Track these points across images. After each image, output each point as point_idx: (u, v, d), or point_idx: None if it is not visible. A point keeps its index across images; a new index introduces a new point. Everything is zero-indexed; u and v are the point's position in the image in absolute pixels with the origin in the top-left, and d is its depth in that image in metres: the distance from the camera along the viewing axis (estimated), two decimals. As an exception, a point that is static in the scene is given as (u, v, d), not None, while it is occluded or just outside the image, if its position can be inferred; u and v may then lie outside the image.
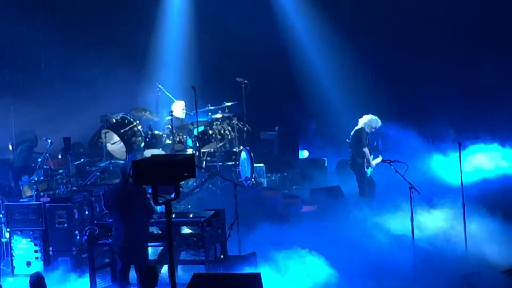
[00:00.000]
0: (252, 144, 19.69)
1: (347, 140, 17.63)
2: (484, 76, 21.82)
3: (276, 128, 22.05)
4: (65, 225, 14.14)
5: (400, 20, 21.94)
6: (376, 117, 17.44)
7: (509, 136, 19.80)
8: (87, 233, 13.22)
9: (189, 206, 15.48)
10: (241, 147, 18.46)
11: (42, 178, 15.61)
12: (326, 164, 21.18)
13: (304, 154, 22.34)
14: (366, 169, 17.25)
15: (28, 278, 11.37)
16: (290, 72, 22.53)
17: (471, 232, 14.49)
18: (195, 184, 16.19)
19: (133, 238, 12.38)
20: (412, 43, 22.34)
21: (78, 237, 14.12)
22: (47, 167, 15.99)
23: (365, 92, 22.67)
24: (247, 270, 12.35)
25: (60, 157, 18.35)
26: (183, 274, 12.86)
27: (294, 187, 20.11)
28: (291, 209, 16.99)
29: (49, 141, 16.12)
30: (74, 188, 15.53)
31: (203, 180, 16.50)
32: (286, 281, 12.63)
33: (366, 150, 17.26)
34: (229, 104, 18.90)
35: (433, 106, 21.93)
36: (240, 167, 18.05)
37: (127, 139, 17.79)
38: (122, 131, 17.82)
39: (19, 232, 14.30)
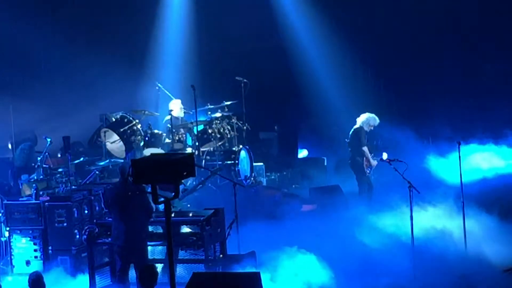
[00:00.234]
0: (252, 143, 19.68)
1: (346, 139, 17.63)
2: (483, 76, 21.82)
3: (276, 127, 22.04)
4: (65, 224, 14.12)
5: (400, 20, 21.92)
6: (373, 115, 17.44)
7: (507, 135, 19.79)
8: (87, 232, 13.22)
9: (189, 205, 15.46)
10: (241, 146, 18.46)
11: (41, 177, 15.60)
12: (325, 163, 21.19)
13: (303, 153, 22.34)
14: (366, 168, 17.25)
15: (27, 277, 11.37)
16: (289, 71, 22.52)
17: (471, 231, 14.50)
18: (194, 183, 16.18)
19: (132, 237, 12.38)
20: (412, 43, 22.33)
21: (77, 236, 14.10)
22: (46, 166, 15.98)
23: (364, 91, 22.66)
24: (247, 269, 12.36)
25: (59, 156, 18.36)
26: (183, 273, 12.86)
27: (293, 186, 20.11)
28: (290, 208, 16.98)
29: (49, 140, 16.11)
30: (73, 187, 15.52)
31: (206, 177, 16.46)
32: (284, 280, 12.63)
33: (365, 149, 17.27)
34: (228, 103, 18.91)
35: (433, 105, 21.92)
36: (239, 166, 18.05)
37: (127, 138, 17.80)
38: (121, 130, 17.82)
39: (18, 231, 14.29)
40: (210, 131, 18.30)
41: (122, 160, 17.06)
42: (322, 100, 22.61)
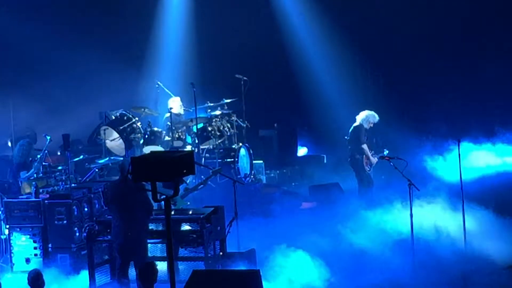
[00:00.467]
0: (251, 141, 19.69)
1: (346, 137, 17.63)
2: (483, 74, 21.81)
3: (275, 125, 22.05)
4: (64, 221, 14.12)
5: (400, 18, 21.91)
6: (373, 112, 17.43)
7: (506, 133, 19.80)
8: (86, 230, 13.23)
9: (188, 203, 15.47)
10: (240, 144, 18.47)
11: (41, 174, 15.60)
12: (325, 161, 21.20)
13: (303, 151, 22.34)
14: (365, 166, 17.25)
15: (27, 275, 11.36)
16: (289, 69, 22.51)
17: (470, 229, 14.51)
18: (194, 181, 16.18)
19: (132, 235, 12.37)
20: (411, 43, 22.32)
21: (77, 234, 14.11)
22: (46, 164, 15.97)
23: (364, 89, 22.67)
24: (247, 266, 12.36)
25: (59, 154, 18.35)
26: (183, 271, 12.86)
27: (293, 183, 20.12)
28: (290, 206, 16.99)
29: (48, 138, 16.11)
30: (73, 185, 15.52)
31: (206, 176, 16.47)
32: (283, 277, 12.63)
33: (365, 146, 17.27)
34: (228, 101, 18.91)
35: (432, 103, 21.94)
36: (239, 164, 18.06)
37: (126, 136, 17.80)
38: (121, 127, 17.83)
39: (18, 229, 14.29)
40: (209, 128, 18.30)
41: (122, 158, 17.06)
42: (322, 98, 22.61)
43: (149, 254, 12.77)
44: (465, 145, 17.69)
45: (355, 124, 17.45)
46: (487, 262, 13.51)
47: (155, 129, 18.15)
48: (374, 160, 17.29)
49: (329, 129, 21.54)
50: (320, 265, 13.00)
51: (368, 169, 17.33)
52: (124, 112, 18.05)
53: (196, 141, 17.98)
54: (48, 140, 16.12)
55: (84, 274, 13.25)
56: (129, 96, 20.41)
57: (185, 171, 8.18)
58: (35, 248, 14.21)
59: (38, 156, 15.88)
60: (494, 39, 22.02)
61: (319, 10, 22.33)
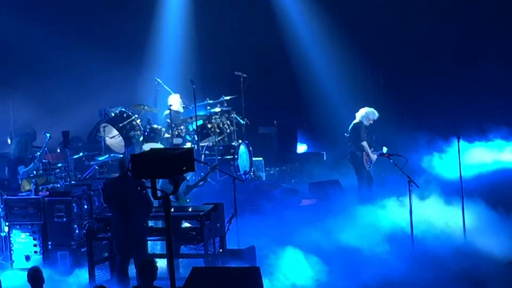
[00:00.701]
0: (251, 138, 19.70)
1: (346, 134, 17.63)
2: (483, 74, 21.81)
3: (275, 122, 22.04)
4: (64, 219, 14.12)
5: (399, 16, 21.91)
6: (372, 109, 17.42)
7: (505, 130, 19.82)
8: (86, 227, 13.23)
9: (188, 200, 15.48)
10: (240, 141, 18.47)
11: (41, 172, 15.60)
12: (324, 158, 21.20)
13: (302, 148, 22.34)
14: (365, 163, 17.25)
15: (27, 272, 11.36)
16: (289, 67, 22.51)
17: (470, 225, 14.52)
18: (194, 178, 16.18)
19: (132, 232, 12.37)
20: (411, 43, 22.31)
21: (77, 231, 14.11)
22: (46, 161, 15.97)
23: (363, 86, 22.67)
24: (246, 264, 12.36)
25: (59, 151, 18.35)
26: (182, 268, 12.87)
27: (293, 181, 20.12)
28: (289, 203, 17.00)
29: (48, 135, 16.10)
30: (73, 182, 15.52)
31: (206, 172, 16.48)
32: (282, 274, 12.64)
33: (365, 143, 17.25)
34: (227, 98, 18.91)
35: (432, 103, 21.95)
36: (239, 161, 18.06)
37: (126, 133, 17.81)
38: (121, 125, 17.84)
39: (18, 226, 14.29)
40: (209, 126, 18.31)
41: (122, 155, 17.06)
42: (322, 95, 22.61)
43: (149, 251, 12.78)
44: (464, 144, 17.72)
45: (354, 121, 17.44)
46: (487, 258, 13.51)
47: (155, 126, 18.15)
48: (374, 157, 17.28)
49: (328, 126, 21.54)
50: (319, 262, 13.01)
51: (368, 166, 17.33)
52: (123, 109, 18.05)
53: (196, 138, 17.97)
54: (48, 137, 16.11)
55: (84, 271, 13.26)
56: (128, 93, 20.41)
57: (184, 168, 8.17)
58: (34, 245, 14.21)
59: (38, 153, 15.88)
60: (494, 39, 22.04)
61: (319, 9, 22.32)
